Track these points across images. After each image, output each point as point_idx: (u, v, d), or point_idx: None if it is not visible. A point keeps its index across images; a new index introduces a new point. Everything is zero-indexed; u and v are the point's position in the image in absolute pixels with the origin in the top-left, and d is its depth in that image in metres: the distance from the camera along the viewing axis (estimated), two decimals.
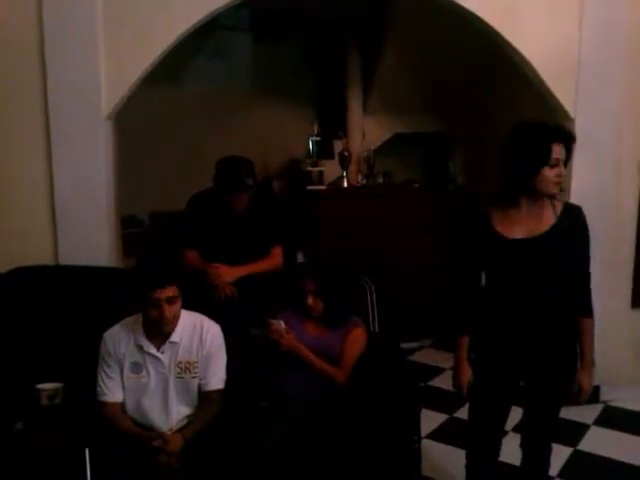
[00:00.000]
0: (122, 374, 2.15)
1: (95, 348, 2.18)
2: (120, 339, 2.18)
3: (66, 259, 2.87)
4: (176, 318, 2.16)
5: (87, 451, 1.84)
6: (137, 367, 2.15)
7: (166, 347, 2.16)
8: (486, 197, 2.09)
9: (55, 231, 2.90)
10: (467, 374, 2.12)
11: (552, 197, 1.98)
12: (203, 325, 2.23)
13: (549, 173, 1.91)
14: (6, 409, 2.23)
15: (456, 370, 2.15)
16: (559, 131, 1.97)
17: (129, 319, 2.23)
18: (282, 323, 2.41)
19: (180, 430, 2.12)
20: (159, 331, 2.14)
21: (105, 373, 2.16)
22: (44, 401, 2.24)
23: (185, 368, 2.16)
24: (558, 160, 1.92)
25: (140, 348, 2.15)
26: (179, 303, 2.16)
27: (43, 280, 2.71)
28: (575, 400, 2.05)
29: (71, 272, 2.75)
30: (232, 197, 2.77)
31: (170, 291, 2.10)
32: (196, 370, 2.17)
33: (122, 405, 2.16)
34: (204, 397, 2.19)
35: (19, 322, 2.57)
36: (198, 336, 2.20)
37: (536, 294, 2.00)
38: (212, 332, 2.23)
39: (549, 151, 1.90)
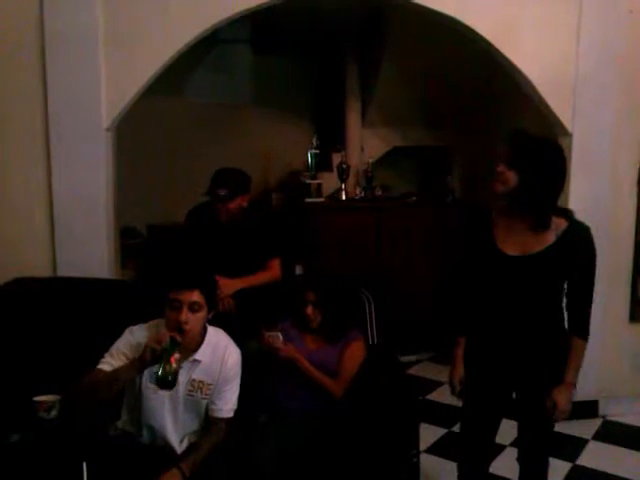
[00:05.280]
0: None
1: (93, 360, 2.16)
2: (143, 345, 2.04)
3: (64, 270, 2.87)
4: (193, 331, 2.04)
5: (85, 464, 1.83)
6: None
7: (187, 364, 2.08)
8: (491, 207, 2.08)
9: (53, 242, 2.90)
10: (460, 372, 2.14)
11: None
12: (227, 349, 2.15)
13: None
14: (2, 421, 2.22)
15: (451, 370, 2.18)
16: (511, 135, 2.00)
17: (154, 323, 2.14)
18: (280, 336, 2.41)
19: (180, 459, 2.04)
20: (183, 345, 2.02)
21: (112, 354, 2.08)
22: (41, 414, 2.23)
23: (198, 387, 2.09)
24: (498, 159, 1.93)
25: None
26: (201, 315, 2.05)
27: (41, 291, 2.70)
28: (550, 416, 2.02)
29: (69, 283, 2.74)
30: (216, 207, 2.80)
31: (193, 296, 2.00)
32: (208, 392, 2.10)
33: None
34: (212, 422, 2.12)
35: (16, 333, 2.56)
36: (220, 360, 2.12)
37: (526, 310, 1.99)
38: (233, 358, 2.15)
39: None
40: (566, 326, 2.05)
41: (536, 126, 3.35)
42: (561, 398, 1.98)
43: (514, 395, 2.15)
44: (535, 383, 2.06)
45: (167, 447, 2.09)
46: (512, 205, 1.96)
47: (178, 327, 1.99)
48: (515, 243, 1.97)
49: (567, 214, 2.00)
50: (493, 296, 2.04)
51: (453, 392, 2.19)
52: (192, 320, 2.01)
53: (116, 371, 2.03)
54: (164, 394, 2.05)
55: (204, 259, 2.21)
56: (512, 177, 1.90)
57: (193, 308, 2.01)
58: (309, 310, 2.46)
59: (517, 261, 1.96)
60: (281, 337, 2.39)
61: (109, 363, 2.07)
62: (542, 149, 1.94)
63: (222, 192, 2.76)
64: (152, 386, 2.05)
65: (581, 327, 2.02)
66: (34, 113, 2.84)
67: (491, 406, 2.12)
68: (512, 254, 1.97)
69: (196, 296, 2.02)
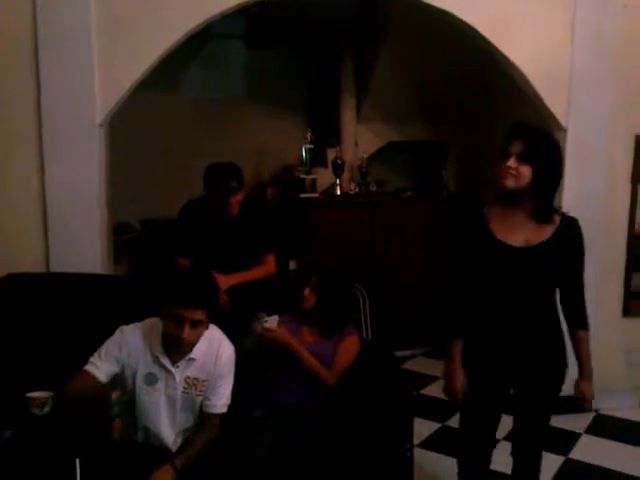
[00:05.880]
0: (125, 379, 2.09)
1: (86, 356, 2.15)
2: (135, 346, 2.08)
3: (57, 266, 2.86)
4: (193, 342, 2.07)
5: (77, 461, 1.82)
6: (152, 379, 2.08)
7: (182, 363, 2.09)
8: (485, 198, 2.08)
9: (46, 238, 2.89)
10: (461, 379, 2.08)
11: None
12: (221, 345, 2.16)
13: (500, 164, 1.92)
14: None
15: (450, 376, 2.10)
16: (520, 128, 1.98)
17: (149, 322, 2.15)
18: (276, 319, 2.43)
19: (174, 456, 2.04)
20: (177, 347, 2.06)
21: (100, 356, 2.08)
22: (34, 410, 2.22)
23: (192, 384, 2.10)
24: (509, 153, 1.90)
25: (156, 359, 2.08)
26: (201, 330, 2.07)
27: (34, 287, 2.68)
28: (579, 409, 2.10)
29: (62, 279, 2.73)
30: (220, 202, 2.77)
31: (197, 314, 2.01)
32: (203, 388, 2.11)
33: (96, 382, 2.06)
34: (206, 418, 2.13)
35: (10, 329, 2.55)
36: (214, 356, 2.13)
37: (528, 302, 2.00)
38: (227, 353, 2.16)
39: (507, 145, 1.92)
40: (561, 320, 2.06)
41: (531, 122, 3.34)
42: (587, 389, 2.07)
43: (511, 390, 2.15)
44: (534, 377, 2.07)
45: (161, 446, 2.09)
46: (519, 199, 1.95)
47: (176, 340, 2.01)
48: (517, 235, 1.98)
49: (555, 208, 2.04)
50: (494, 290, 2.03)
51: (455, 400, 2.11)
52: (191, 335, 2.03)
53: (103, 386, 2.04)
54: (160, 394, 2.06)
55: (212, 277, 2.21)
56: (526, 171, 1.89)
57: (194, 324, 2.02)
58: (307, 291, 2.51)
59: (522, 252, 1.97)
60: (277, 320, 2.42)
61: (97, 366, 2.06)
62: (551, 142, 1.98)
63: (235, 184, 2.75)
64: (145, 387, 2.06)
65: (582, 318, 2.06)
66: (27, 109, 2.82)
67: (491, 402, 2.13)
68: (516, 245, 1.97)
69: (200, 314, 2.02)
